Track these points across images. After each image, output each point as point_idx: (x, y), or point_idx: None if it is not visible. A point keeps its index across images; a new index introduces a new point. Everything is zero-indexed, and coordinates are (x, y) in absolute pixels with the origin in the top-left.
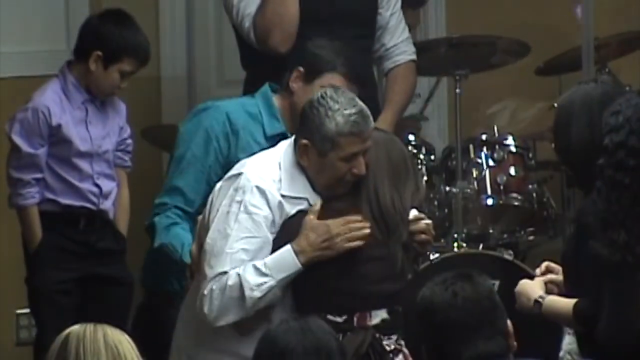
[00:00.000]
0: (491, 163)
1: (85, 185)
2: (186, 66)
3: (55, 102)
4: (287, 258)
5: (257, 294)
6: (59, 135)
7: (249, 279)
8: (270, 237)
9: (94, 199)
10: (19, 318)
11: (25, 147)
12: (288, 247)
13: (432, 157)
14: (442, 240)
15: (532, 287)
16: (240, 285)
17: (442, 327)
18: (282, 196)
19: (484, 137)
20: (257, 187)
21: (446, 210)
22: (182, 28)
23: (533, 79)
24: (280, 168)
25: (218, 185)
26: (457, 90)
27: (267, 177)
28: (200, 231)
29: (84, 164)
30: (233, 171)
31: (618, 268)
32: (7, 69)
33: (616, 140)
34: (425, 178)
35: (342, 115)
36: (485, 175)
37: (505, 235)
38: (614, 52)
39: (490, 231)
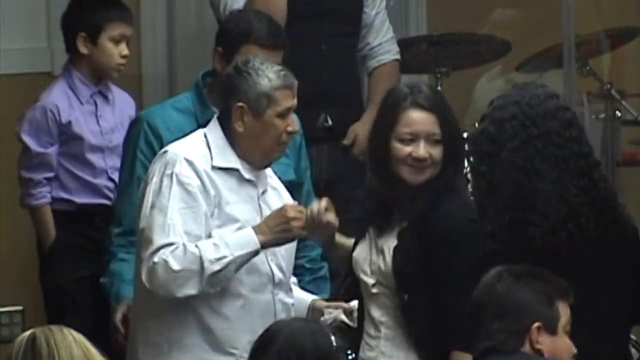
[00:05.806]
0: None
1: (100, 181)
2: (167, 64)
3: (63, 100)
4: (247, 237)
5: (216, 267)
6: (70, 132)
7: (209, 252)
8: (205, 207)
9: (109, 194)
10: (0, 316)
11: (34, 146)
12: (249, 228)
13: None
14: None
15: None
16: (200, 258)
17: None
18: (213, 168)
19: (465, 134)
20: (185, 159)
21: None
22: (162, 25)
23: (515, 77)
24: (207, 143)
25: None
26: (438, 88)
27: (194, 151)
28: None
29: (96, 159)
30: (159, 154)
31: (489, 258)
32: None
33: (480, 129)
34: None
35: (273, 72)
36: (467, 173)
37: None
38: (595, 49)
39: None
